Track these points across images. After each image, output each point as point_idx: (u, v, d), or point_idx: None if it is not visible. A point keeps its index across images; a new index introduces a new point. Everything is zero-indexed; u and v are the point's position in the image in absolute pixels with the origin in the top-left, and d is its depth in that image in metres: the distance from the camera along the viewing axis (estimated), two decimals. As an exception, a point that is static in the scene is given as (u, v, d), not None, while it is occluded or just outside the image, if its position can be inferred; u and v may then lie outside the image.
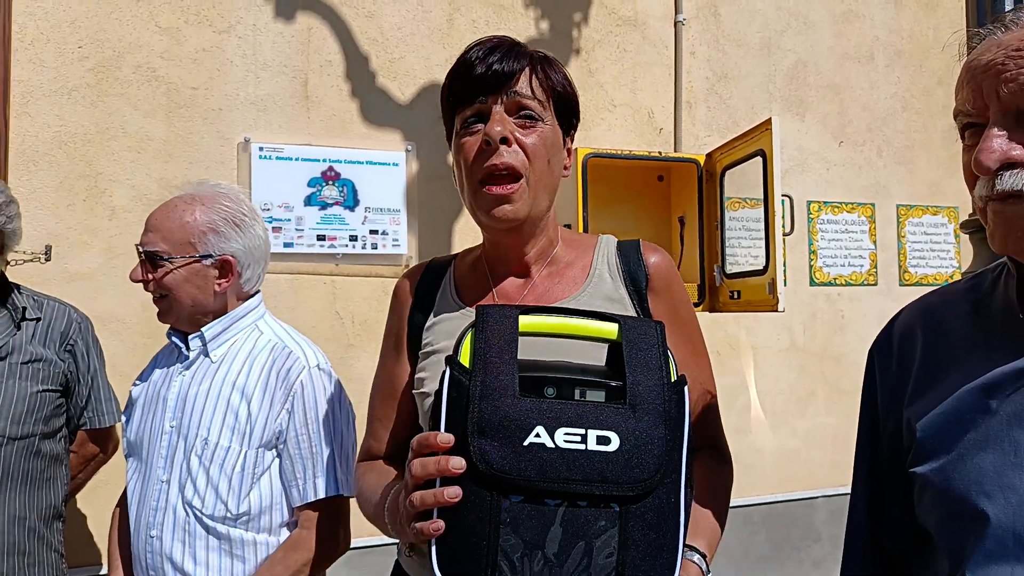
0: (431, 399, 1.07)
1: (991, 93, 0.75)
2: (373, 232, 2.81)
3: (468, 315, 1.12)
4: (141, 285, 1.52)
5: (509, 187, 1.03)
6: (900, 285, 3.66)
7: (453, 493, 0.80)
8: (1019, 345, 0.79)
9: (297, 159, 2.71)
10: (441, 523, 0.81)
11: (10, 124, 2.38)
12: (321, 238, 2.73)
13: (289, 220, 2.69)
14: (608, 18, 3.20)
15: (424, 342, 1.14)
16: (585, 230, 2.77)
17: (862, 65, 3.65)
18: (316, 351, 1.53)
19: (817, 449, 3.43)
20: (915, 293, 3.61)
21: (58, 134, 2.46)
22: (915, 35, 3.77)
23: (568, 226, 2.86)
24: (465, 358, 0.87)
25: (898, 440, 0.90)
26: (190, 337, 1.53)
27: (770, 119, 2.60)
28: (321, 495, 1.43)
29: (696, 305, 2.98)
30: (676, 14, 3.28)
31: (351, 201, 2.78)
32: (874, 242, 3.62)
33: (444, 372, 0.86)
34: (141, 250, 1.51)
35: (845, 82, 3.61)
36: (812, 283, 3.50)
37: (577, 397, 0.84)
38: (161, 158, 2.57)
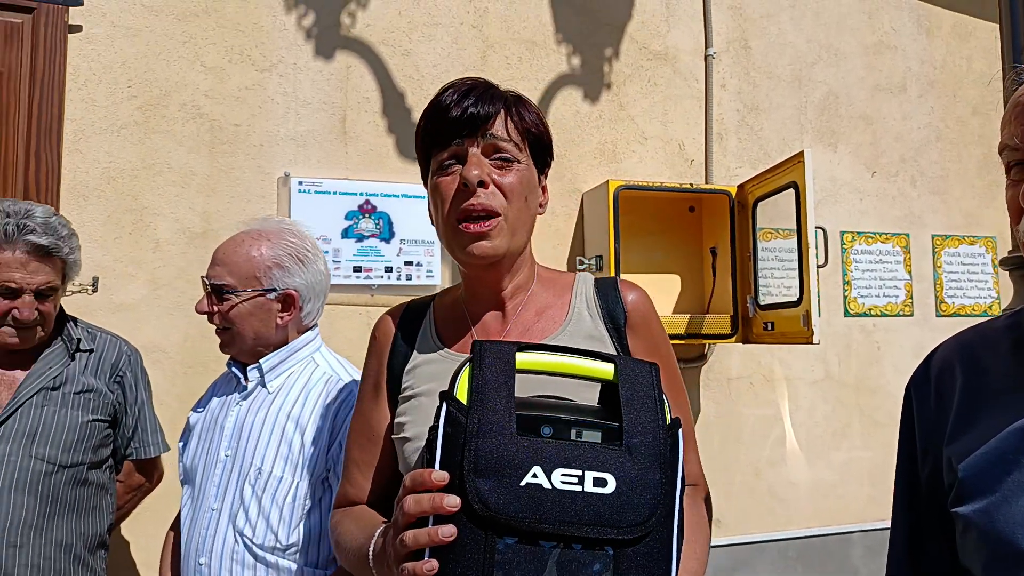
0: (412, 443, 1.07)
1: None
2: (408, 263, 2.85)
3: (448, 357, 1.11)
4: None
5: (486, 224, 1.04)
6: (937, 316, 3.61)
7: (448, 532, 0.78)
8: None
9: (335, 193, 2.77)
10: (434, 563, 0.79)
11: (63, 160, 2.47)
12: (357, 269, 2.78)
13: (327, 252, 2.75)
14: (639, 53, 3.25)
15: (404, 386, 1.13)
16: (617, 261, 2.79)
17: (894, 96, 3.65)
18: None
19: (854, 482, 3.37)
20: (952, 324, 3.57)
21: (107, 170, 2.56)
22: (948, 65, 3.76)
23: (599, 257, 2.89)
24: (462, 394, 0.85)
25: (937, 477, 0.89)
26: (248, 368, 1.57)
27: (802, 152, 2.61)
28: None
29: (729, 336, 2.98)
30: (706, 48, 3.31)
31: (387, 233, 2.83)
32: (909, 272, 3.59)
33: (440, 408, 0.85)
34: (208, 283, 1.55)
35: (877, 113, 3.61)
36: (847, 314, 3.47)
37: (573, 437, 0.82)
38: (204, 192, 2.65)
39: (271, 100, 2.75)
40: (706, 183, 3.26)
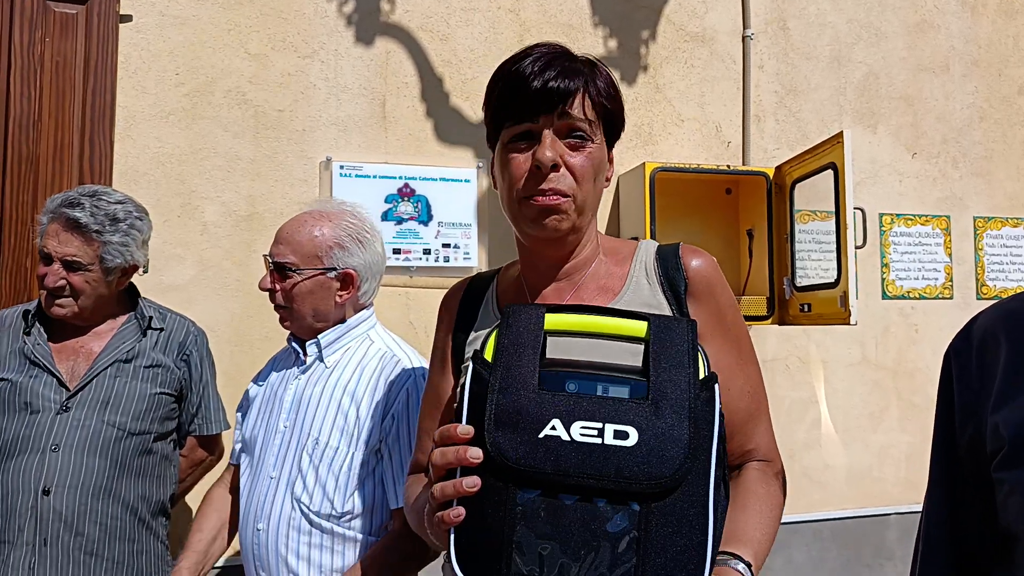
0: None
1: None
2: (445, 246, 2.90)
3: None
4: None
5: (556, 199, 1.02)
6: (978, 299, 3.56)
7: (471, 483, 0.81)
8: None
9: (375, 176, 2.83)
10: (461, 510, 0.82)
11: (115, 146, 2.56)
12: (396, 251, 2.84)
13: (367, 234, 2.81)
14: (676, 35, 3.24)
15: (467, 357, 1.14)
16: (653, 243, 2.80)
17: (936, 76, 3.59)
18: (423, 360, 1.60)
19: (890, 465, 3.36)
20: (994, 307, 3.51)
21: (156, 155, 2.64)
22: (993, 44, 3.68)
23: (635, 239, 2.90)
24: (489, 354, 0.88)
25: (977, 443, 0.90)
26: (307, 343, 1.63)
27: (841, 132, 2.60)
28: None
29: (765, 318, 2.98)
30: (744, 29, 3.29)
31: (425, 216, 2.89)
32: (949, 255, 3.54)
33: (468, 367, 0.89)
34: (271, 261, 1.60)
35: (918, 93, 3.56)
36: (884, 296, 3.44)
37: (599, 393, 0.83)
38: (249, 176, 2.73)
39: (313, 86, 2.81)
40: (743, 165, 3.25)
